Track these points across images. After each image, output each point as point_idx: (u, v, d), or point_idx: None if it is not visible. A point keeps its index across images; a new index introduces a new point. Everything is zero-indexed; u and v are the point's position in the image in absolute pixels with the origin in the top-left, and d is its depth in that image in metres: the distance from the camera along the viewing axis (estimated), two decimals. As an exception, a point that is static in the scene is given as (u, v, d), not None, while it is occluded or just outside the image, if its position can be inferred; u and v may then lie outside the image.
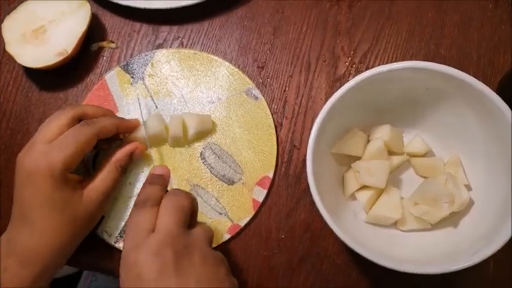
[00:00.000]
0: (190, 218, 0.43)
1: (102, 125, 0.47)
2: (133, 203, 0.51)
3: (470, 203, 0.46)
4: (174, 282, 0.38)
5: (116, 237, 0.51)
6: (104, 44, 0.57)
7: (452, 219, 0.47)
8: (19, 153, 0.45)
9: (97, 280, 0.82)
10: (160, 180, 0.46)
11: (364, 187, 0.48)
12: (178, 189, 0.45)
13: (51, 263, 0.44)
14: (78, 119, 0.47)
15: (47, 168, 0.43)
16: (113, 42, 0.57)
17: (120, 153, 0.49)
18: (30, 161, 0.43)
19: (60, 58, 0.53)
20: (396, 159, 0.49)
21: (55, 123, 0.46)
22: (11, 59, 0.56)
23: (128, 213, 0.51)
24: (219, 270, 0.41)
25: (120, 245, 0.51)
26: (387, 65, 0.44)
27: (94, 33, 0.57)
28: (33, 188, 0.43)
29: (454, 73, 0.43)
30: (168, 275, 0.38)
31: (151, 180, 0.46)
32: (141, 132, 0.51)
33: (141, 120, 0.52)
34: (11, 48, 0.53)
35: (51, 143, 0.44)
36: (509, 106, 0.42)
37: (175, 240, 0.40)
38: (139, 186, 0.52)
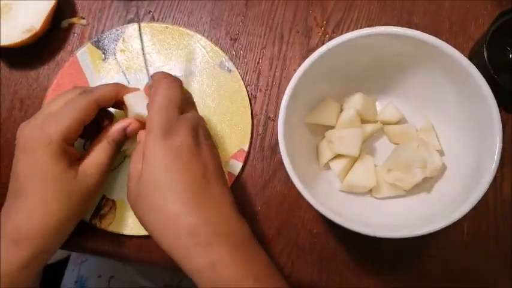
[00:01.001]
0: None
1: (101, 92, 0.45)
2: (109, 180, 0.51)
3: (443, 167, 0.47)
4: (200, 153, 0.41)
5: (92, 215, 0.51)
6: (74, 20, 0.56)
7: (426, 185, 0.47)
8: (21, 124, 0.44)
9: (87, 260, 0.81)
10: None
11: (338, 156, 0.48)
12: (164, 80, 0.43)
13: (42, 244, 0.42)
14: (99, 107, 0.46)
15: (44, 138, 0.41)
16: (83, 18, 0.56)
17: (113, 129, 0.47)
18: (28, 132, 0.42)
19: (29, 35, 0.51)
20: (369, 127, 0.49)
21: (61, 98, 0.45)
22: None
23: (103, 190, 0.51)
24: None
25: (95, 222, 0.50)
26: (356, 31, 0.43)
27: (64, 10, 0.56)
28: (29, 159, 0.42)
29: (424, 37, 0.42)
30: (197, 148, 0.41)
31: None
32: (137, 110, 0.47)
33: None
34: None
35: (50, 114, 0.43)
36: (480, 72, 0.42)
37: (203, 127, 0.44)
38: (116, 160, 0.51)
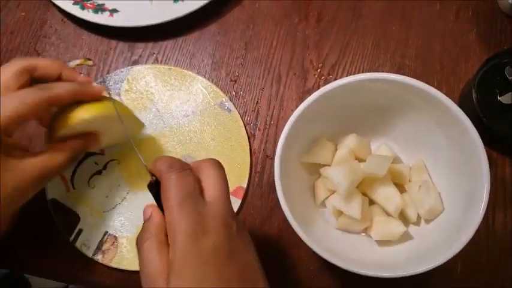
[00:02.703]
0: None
1: (56, 91, 0.41)
2: (109, 216, 0.53)
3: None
4: (240, 252, 0.35)
5: (94, 250, 0.52)
6: (81, 61, 0.58)
7: (420, 224, 0.49)
8: None
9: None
10: (151, 223, 0.38)
11: (333, 194, 0.50)
12: (173, 171, 0.36)
13: None
14: (29, 74, 0.42)
15: None
16: (90, 59, 0.58)
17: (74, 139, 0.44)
18: None
19: None
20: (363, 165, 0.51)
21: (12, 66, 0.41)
22: None
23: (104, 226, 0.53)
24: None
25: (98, 257, 0.52)
26: (350, 76, 0.45)
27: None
28: None
29: (412, 82, 0.44)
30: (236, 245, 0.35)
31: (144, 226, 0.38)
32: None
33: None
34: None
35: None
36: (470, 113, 0.44)
37: (231, 210, 0.37)
38: (116, 198, 0.53)
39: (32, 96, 0.40)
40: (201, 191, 0.37)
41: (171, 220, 0.34)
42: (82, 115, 0.43)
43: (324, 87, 0.46)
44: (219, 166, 0.39)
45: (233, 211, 0.38)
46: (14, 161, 0.40)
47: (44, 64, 0.43)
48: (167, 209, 0.35)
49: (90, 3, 0.58)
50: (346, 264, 0.42)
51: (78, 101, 0.43)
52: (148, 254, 0.34)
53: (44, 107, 0.40)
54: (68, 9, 0.58)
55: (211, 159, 0.39)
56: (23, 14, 0.60)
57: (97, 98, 0.44)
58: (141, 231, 0.36)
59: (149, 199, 0.38)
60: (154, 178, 0.37)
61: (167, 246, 0.34)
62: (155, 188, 0.37)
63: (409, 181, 0.50)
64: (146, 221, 0.37)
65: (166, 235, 0.35)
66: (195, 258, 0.33)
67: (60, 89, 0.41)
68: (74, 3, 0.58)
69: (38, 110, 0.40)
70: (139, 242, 0.36)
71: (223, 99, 0.56)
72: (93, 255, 0.52)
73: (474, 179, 0.44)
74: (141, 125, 0.53)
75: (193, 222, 0.33)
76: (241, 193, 0.53)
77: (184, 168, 0.36)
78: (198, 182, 0.37)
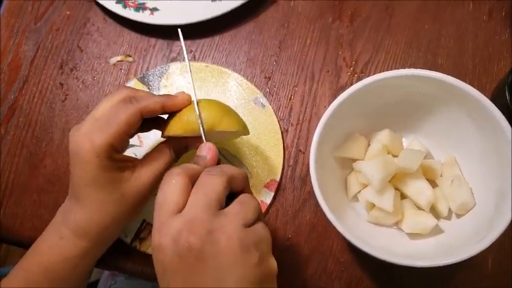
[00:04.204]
0: (236, 187, 0.40)
1: (145, 103, 0.44)
2: (149, 205, 0.54)
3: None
4: (192, 272, 0.35)
5: (132, 238, 0.54)
6: (122, 57, 0.61)
7: (451, 218, 0.50)
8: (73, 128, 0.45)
9: (116, 283, 0.84)
10: (203, 161, 0.42)
11: (367, 188, 0.51)
12: (213, 168, 0.41)
13: (99, 239, 0.46)
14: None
15: (91, 149, 0.42)
16: (130, 56, 0.61)
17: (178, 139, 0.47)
18: (76, 140, 0.43)
19: None
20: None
21: (106, 102, 0.44)
22: (37, 72, 0.60)
23: (143, 214, 0.55)
24: (249, 257, 0.36)
25: (135, 244, 0.54)
26: (383, 73, 0.47)
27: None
28: (80, 167, 0.43)
29: (446, 79, 0.45)
30: (188, 264, 0.35)
31: (194, 160, 0.43)
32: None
33: None
34: None
35: (96, 121, 0.43)
36: (503, 112, 0.45)
37: (199, 226, 0.35)
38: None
39: (125, 111, 0.43)
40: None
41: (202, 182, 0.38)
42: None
43: (358, 83, 0.47)
44: (210, 176, 0.39)
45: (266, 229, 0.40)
46: (129, 172, 0.44)
47: (144, 94, 0.46)
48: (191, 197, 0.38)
49: (131, 2, 0.60)
50: (378, 252, 0.43)
51: (167, 111, 0.46)
52: (175, 187, 0.38)
53: (137, 118, 0.43)
54: (110, 7, 0.60)
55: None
56: (68, 12, 0.63)
57: (184, 106, 0.46)
58: (184, 164, 0.40)
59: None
60: None
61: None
62: None
63: (441, 176, 0.51)
64: (197, 159, 0.42)
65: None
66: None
67: (147, 101, 0.44)
68: (116, 2, 0.60)
69: (133, 122, 0.43)
70: (176, 170, 0.39)
71: (258, 95, 0.57)
72: (131, 242, 0.54)
73: (506, 175, 0.44)
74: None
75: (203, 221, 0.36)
76: (274, 186, 0.55)
77: (184, 175, 0.39)
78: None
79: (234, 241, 0.35)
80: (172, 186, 0.38)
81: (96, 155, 0.42)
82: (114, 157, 0.43)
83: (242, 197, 0.39)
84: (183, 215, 0.36)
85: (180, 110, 0.46)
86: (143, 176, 0.45)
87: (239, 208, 0.38)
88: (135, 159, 0.47)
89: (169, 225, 0.36)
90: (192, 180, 0.38)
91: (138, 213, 0.49)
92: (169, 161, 0.47)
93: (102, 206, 0.44)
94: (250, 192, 0.42)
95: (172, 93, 0.57)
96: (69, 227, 0.45)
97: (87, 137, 0.42)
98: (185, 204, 0.37)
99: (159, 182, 0.44)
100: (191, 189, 0.38)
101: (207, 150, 0.43)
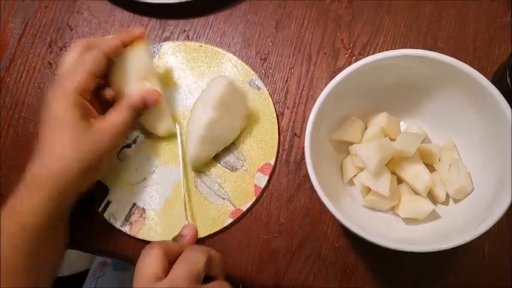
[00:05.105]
0: (213, 270, 0.44)
1: (105, 44, 0.48)
2: (138, 189, 0.53)
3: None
4: None
5: (122, 222, 0.53)
6: (113, 37, 0.59)
7: (448, 203, 0.48)
8: None
9: (104, 275, 0.84)
10: (182, 240, 0.48)
11: (363, 171, 0.50)
12: (197, 246, 0.48)
13: (59, 186, 0.44)
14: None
15: (60, 92, 0.45)
16: (122, 35, 0.59)
17: (134, 95, 0.49)
18: (50, 92, 0.46)
19: None
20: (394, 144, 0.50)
21: (69, 56, 0.48)
22: (24, 51, 0.58)
23: (133, 198, 0.53)
24: None
25: (125, 228, 0.53)
26: (381, 53, 0.45)
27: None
28: (48, 111, 0.45)
29: (447, 60, 0.44)
30: None
31: (175, 237, 0.49)
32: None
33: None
34: None
35: (65, 73, 0.47)
36: (503, 96, 0.44)
37: None
38: (145, 171, 0.54)
39: (89, 55, 0.47)
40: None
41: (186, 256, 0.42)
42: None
43: (356, 63, 0.45)
44: (196, 251, 0.44)
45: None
46: (91, 122, 0.46)
47: (100, 41, 0.50)
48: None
49: (123, -20, 0.58)
50: (373, 237, 0.42)
51: (127, 44, 0.51)
52: (153, 257, 0.41)
53: (102, 59, 0.47)
54: (101, -15, 0.58)
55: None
56: (57, -11, 0.61)
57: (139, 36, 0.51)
58: (163, 241, 0.46)
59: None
60: None
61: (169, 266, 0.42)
62: None
63: (439, 161, 0.49)
64: (178, 237, 0.49)
65: (175, 260, 0.42)
66: None
67: (106, 41, 0.49)
68: (107, -20, 0.58)
69: (100, 63, 0.47)
70: (155, 244, 0.43)
71: (253, 77, 0.56)
72: (121, 226, 0.53)
73: (506, 161, 0.43)
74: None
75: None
76: (269, 170, 0.53)
77: (164, 251, 0.42)
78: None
79: None
80: (152, 256, 0.41)
81: (64, 94, 0.45)
82: (80, 100, 0.46)
83: (219, 282, 0.43)
84: (168, 280, 0.40)
85: None
86: (102, 128, 0.46)
87: (217, 285, 0.42)
88: (99, 116, 0.48)
89: None
90: (168, 256, 0.42)
91: (95, 175, 0.49)
92: (128, 118, 0.48)
93: (60, 150, 0.44)
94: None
95: (166, 74, 0.56)
96: (25, 181, 0.44)
97: (58, 84, 0.46)
98: (163, 274, 0.40)
99: (116, 141, 0.48)
100: (166, 263, 0.42)
101: (187, 231, 0.49)
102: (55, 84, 0.47)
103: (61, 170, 0.44)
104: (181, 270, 0.40)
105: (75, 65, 0.47)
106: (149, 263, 0.41)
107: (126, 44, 0.50)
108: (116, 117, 0.47)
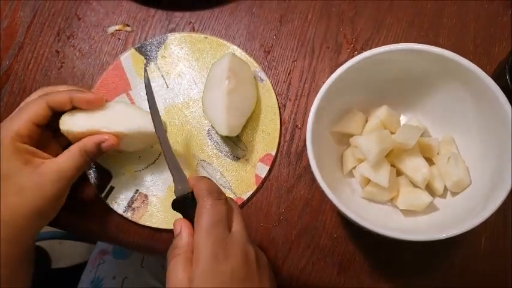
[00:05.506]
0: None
1: (53, 96, 0.47)
2: (141, 175, 0.54)
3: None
4: (256, 279, 0.40)
5: (125, 207, 0.54)
6: (120, 27, 0.60)
7: (446, 195, 0.49)
8: None
9: (104, 262, 0.84)
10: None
11: (363, 163, 0.50)
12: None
13: (6, 237, 0.43)
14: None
15: (2, 137, 0.45)
16: (128, 25, 0.60)
17: (88, 140, 0.48)
18: None
19: None
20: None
21: (25, 100, 0.50)
22: (33, 39, 0.60)
23: (136, 185, 0.54)
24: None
25: (128, 214, 0.53)
26: (383, 46, 0.46)
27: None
28: None
29: (447, 54, 0.45)
30: (253, 272, 0.40)
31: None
32: (122, 128, 0.49)
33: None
34: None
35: (4, 121, 0.47)
36: (503, 92, 0.44)
37: (250, 241, 0.42)
38: (147, 160, 0.55)
39: (34, 103, 0.46)
40: (230, 221, 0.42)
41: (198, 242, 0.40)
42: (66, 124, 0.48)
43: (357, 56, 0.46)
44: (238, 207, 0.45)
45: (253, 244, 0.43)
46: (34, 166, 0.45)
47: (61, 98, 0.48)
48: (197, 231, 0.40)
49: (131, -29, 0.59)
50: (371, 225, 0.43)
51: (77, 105, 0.49)
52: (174, 269, 0.40)
53: (45, 110, 0.47)
54: (110, -24, 0.59)
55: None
56: (66, -21, 0.62)
57: (94, 105, 0.49)
58: (171, 246, 0.42)
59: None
60: (185, 194, 0.44)
61: (192, 263, 0.39)
62: (183, 202, 0.44)
63: (438, 154, 0.50)
64: (176, 236, 0.42)
65: (192, 252, 0.40)
66: (213, 279, 0.38)
67: (57, 95, 0.48)
68: (116, -30, 0.59)
69: (42, 114, 0.46)
70: (169, 257, 0.41)
71: (257, 69, 0.57)
72: (124, 212, 0.54)
73: (503, 155, 0.44)
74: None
75: (217, 247, 0.39)
76: (270, 160, 0.54)
77: (220, 197, 0.42)
78: (229, 211, 0.43)
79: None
80: (223, 207, 0.42)
81: (2, 144, 0.44)
82: (19, 146, 0.45)
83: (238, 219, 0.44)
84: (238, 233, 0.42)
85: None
86: (48, 173, 0.45)
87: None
88: (47, 155, 0.47)
89: (234, 241, 0.41)
90: (190, 252, 0.41)
91: (47, 214, 0.47)
92: (80, 163, 0.47)
93: (4, 200, 0.44)
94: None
95: (171, 65, 0.57)
96: None
97: (3, 128, 0.45)
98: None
99: (65, 185, 0.46)
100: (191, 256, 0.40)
101: (179, 227, 0.43)
102: (3, 122, 0.46)
103: (12, 216, 0.44)
104: (239, 223, 0.43)
105: (17, 111, 0.47)
106: (221, 211, 0.41)
107: (76, 104, 0.48)
108: (66, 161, 0.46)
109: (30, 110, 0.46)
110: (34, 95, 0.50)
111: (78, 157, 0.47)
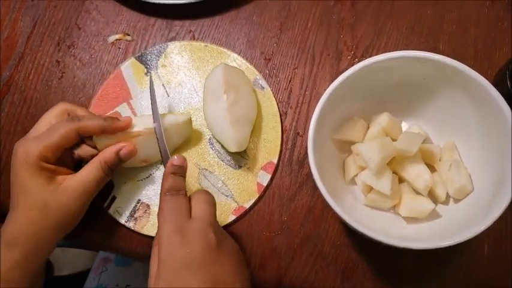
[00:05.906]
0: None
1: (85, 123, 0.48)
2: (143, 185, 0.54)
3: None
4: (215, 261, 0.42)
5: (127, 217, 0.54)
6: (120, 36, 0.60)
7: (449, 202, 0.49)
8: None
9: (107, 270, 0.84)
10: (181, 170, 0.48)
11: (364, 170, 0.50)
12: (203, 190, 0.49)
13: (30, 250, 0.46)
14: (68, 114, 0.50)
15: (23, 156, 0.46)
16: (129, 34, 0.60)
17: (106, 150, 0.49)
18: (16, 149, 0.47)
19: None
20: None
21: (45, 116, 0.50)
22: (33, 49, 0.60)
23: (138, 194, 0.54)
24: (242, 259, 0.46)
25: (130, 224, 0.53)
26: (384, 54, 0.46)
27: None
28: (14, 173, 0.47)
29: (448, 61, 0.45)
30: (212, 255, 0.42)
31: (173, 170, 0.47)
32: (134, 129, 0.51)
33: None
34: None
35: (36, 134, 0.48)
36: (504, 98, 0.44)
37: (213, 226, 0.44)
38: (149, 170, 0.55)
39: (64, 126, 0.47)
40: (190, 211, 0.46)
41: (159, 231, 0.44)
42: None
43: (358, 64, 0.46)
44: (207, 192, 0.48)
45: (217, 228, 0.46)
46: (57, 183, 0.47)
47: (82, 112, 0.52)
48: (158, 222, 0.45)
49: (131, -20, 0.59)
50: (374, 234, 0.42)
51: (106, 133, 0.50)
52: (151, 258, 0.45)
53: (74, 135, 0.48)
54: (109, -15, 0.59)
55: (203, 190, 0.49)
56: (66, -11, 0.62)
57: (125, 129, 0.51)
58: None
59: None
60: None
61: None
62: None
63: (440, 161, 0.50)
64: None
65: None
66: (171, 264, 0.42)
67: (89, 122, 0.48)
68: (115, -20, 0.60)
69: (70, 138, 0.48)
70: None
71: (257, 76, 0.57)
72: (126, 222, 0.54)
73: (505, 161, 0.44)
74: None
75: (173, 234, 0.43)
76: (272, 168, 0.54)
77: (179, 192, 0.46)
78: (188, 203, 0.46)
79: (235, 245, 0.47)
80: (183, 200, 0.46)
81: (26, 161, 0.46)
82: (43, 166, 0.46)
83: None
84: (198, 219, 0.45)
85: None
86: (69, 189, 0.47)
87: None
88: (69, 171, 0.49)
89: (192, 226, 0.44)
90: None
91: (66, 229, 0.49)
92: (100, 177, 0.49)
93: (27, 214, 0.46)
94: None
95: (171, 74, 0.57)
96: (3, 238, 0.46)
97: (24, 146, 0.47)
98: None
99: (88, 199, 0.49)
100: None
101: (179, 160, 0.48)
102: (23, 142, 0.47)
103: (36, 232, 0.46)
104: (205, 208, 0.46)
105: (46, 131, 0.48)
106: (182, 205, 0.45)
107: (106, 133, 0.50)
108: (86, 175, 0.48)
109: (59, 135, 0.47)
110: (55, 110, 0.50)
111: (98, 170, 0.48)
